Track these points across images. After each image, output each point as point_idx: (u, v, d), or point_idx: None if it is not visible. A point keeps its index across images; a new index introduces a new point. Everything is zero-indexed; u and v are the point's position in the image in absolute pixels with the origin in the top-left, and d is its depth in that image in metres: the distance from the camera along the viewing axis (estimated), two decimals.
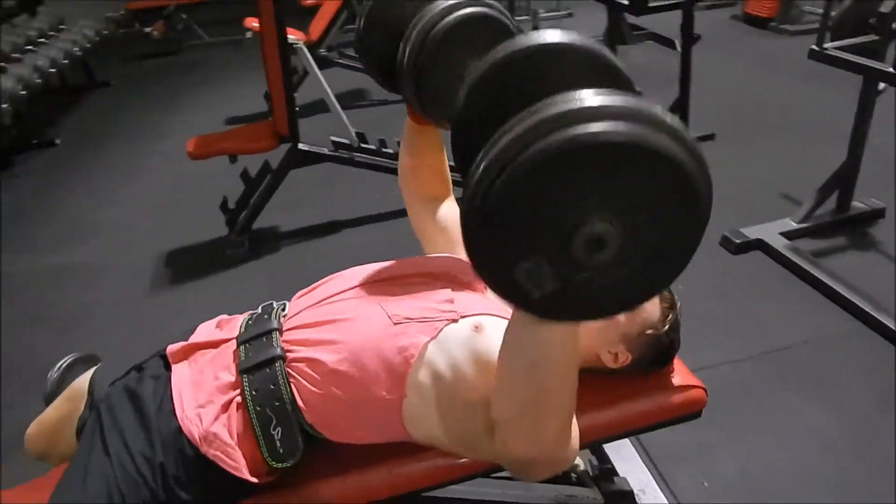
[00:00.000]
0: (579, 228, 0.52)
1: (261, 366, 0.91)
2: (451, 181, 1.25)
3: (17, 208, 3.21)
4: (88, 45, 4.47)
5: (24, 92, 3.41)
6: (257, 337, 0.95)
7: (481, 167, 0.52)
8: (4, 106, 3.16)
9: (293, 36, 3.55)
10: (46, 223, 3.04)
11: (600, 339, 1.05)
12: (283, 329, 0.96)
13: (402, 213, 2.88)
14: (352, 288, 0.98)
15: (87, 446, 0.91)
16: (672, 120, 0.51)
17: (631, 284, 0.57)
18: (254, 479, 0.88)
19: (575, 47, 0.65)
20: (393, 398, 0.88)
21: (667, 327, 1.06)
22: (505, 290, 0.57)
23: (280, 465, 0.89)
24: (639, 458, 1.56)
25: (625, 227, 0.53)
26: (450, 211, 1.21)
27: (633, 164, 0.50)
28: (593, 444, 1.20)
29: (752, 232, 2.39)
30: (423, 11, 0.92)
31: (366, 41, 1.01)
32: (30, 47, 3.85)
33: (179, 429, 0.88)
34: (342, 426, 0.91)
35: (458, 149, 0.72)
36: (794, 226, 2.40)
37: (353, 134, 2.63)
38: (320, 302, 0.98)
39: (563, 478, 1.33)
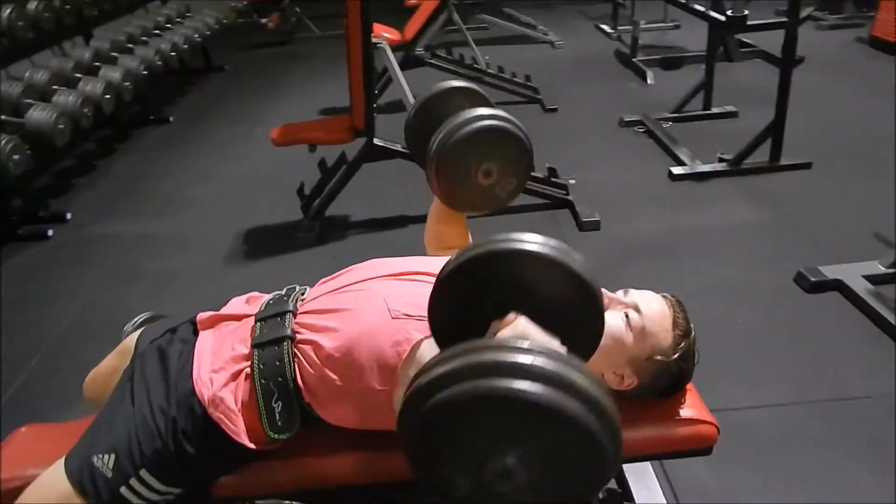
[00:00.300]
0: (490, 458, 0.58)
1: (271, 343, 0.99)
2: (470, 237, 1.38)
3: (127, 177, 3.56)
4: (208, 33, 4.85)
5: (145, 72, 3.76)
6: (273, 316, 1.03)
7: (419, 382, 0.60)
8: (126, 84, 3.50)
9: (387, 34, 3.69)
10: (149, 193, 3.34)
11: (606, 358, 1.04)
12: (298, 312, 1.03)
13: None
14: (364, 280, 1.04)
15: (119, 395, 1.03)
16: (591, 387, 0.56)
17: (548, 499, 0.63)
18: (251, 445, 0.96)
19: (542, 256, 0.72)
20: (383, 389, 0.92)
21: (677, 355, 1.03)
22: (427, 479, 0.64)
23: (277, 436, 0.96)
24: (660, 491, 1.52)
25: (533, 468, 0.59)
26: None
27: (544, 423, 0.56)
28: None
29: (832, 271, 2.23)
30: (454, 116, 1.10)
31: (411, 128, 1.24)
32: (156, 31, 4.25)
33: (193, 389, 0.97)
34: (336, 410, 0.97)
35: (433, 328, 0.81)
36: (882, 270, 2.21)
37: None
38: (334, 290, 1.05)
39: None
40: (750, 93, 3.83)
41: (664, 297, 1.10)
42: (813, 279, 2.21)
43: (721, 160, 3.11)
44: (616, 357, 1.04)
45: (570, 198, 2.80)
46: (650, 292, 1.10)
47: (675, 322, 1.05)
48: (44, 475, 0.97)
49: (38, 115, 2.82)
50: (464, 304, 0.75)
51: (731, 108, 3.71)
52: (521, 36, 5.48)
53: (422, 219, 3.01)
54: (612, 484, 1.46)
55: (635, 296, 1.07)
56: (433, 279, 1.05)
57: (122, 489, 0.94)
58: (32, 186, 3.28)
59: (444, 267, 0.75)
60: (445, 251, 1.27)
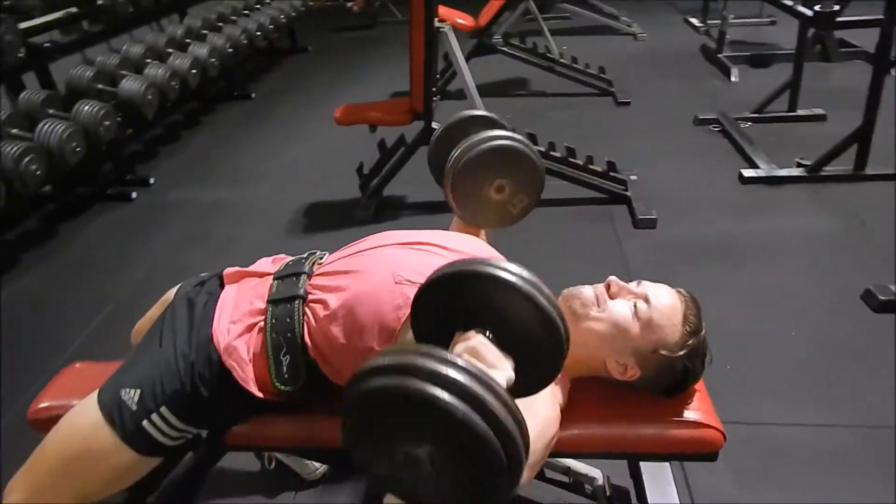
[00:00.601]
0: (398, 443, 0.64)
1: (284, 300, 1.05)
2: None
3: (207, 148, 3.79)
4: (294, 14, 5.04)
5: (230, 50, 3.97)
6: (289, 276, 1.09)
7: (364, 365, 0.65)
8: (212, 60, 3.71)
9: (461, 19, 3.71)
10: (224, 164, 3.54)
11: (609, 346, 1.04)
12: (314, 274, 1.09)
13: None
14: (377, 246, 1.09)
15: (150, 337, 1.12)
16: (501, 411, 0.60)
17: (448, 496, 0.68)
18: (259, 394, 1.03)
19: (511, 285, 0.75)
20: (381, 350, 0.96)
21: (683, 352, 1.01)
22: (352, 451, 0.71)
23: (283, 387, 1.03)
24: (676, 495, 1.48)
25: (439, 466, 0.63)
26: None
27: (449, 430, 0.60)
28: (586, 455, 1.17)
29: None
30: (471, 136, 1.19)
31: (433, 151, 1.33)
32: (245, 12, 4.46)
33: (211, 337, 1.05)
34: (339, 368, 1.02)
35: (414, 329, 0.86)
36: None
37: None
38: (349, 255, 1.10)
39: (575, 486, 1.32)
40: (844, 96, 3.56)
41: (678, 292, 1.07)
42: (882, 298, 2.06)
43: (799, 165, 2.93)
44: (620, 346, 1.03)
45: (628, 193, 2.73)
46: (664, 286, 1.08)
47: (685, 318, 1.03)
48: (80, 404, 1.07)
49: (130, 85, 3.05)
50: (439, 313, 0.82)
51: (819, 112, 3.48)
52: (602, 27, 5.35)
53: None
54: (629, 483, 1.44)
55: (647, 287, 1.06)
56: (443, 251, 1.09)
57: (145, 422, 1.02)
58: (123, 152, 3.54)
59: (429, 276, 0.81)
60: None
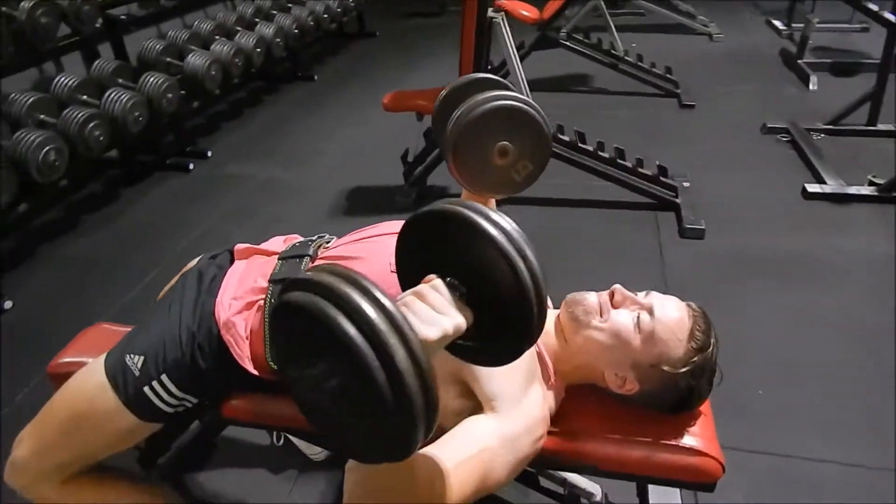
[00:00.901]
0: (307, 367, 0.61)
1: (284, 281, 1.06)
2: None
3: (266, 126, 3.89)
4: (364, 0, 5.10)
5: (296, 31, 4.05)
6: (293, 257, 1.10)
7: (291, 279, 0.64)
8: (277, 40, 3.80)
9: (525, 11, 3.65)
10: (280, 143, 3.63)
11: (608, 357, 1.00)
12: (317, 257, 1.10)
13: (565, 202, 2.91)
14: (381, 234, 1.08)
15: (159, 306, 1.16)
16: (404, 363, 0.55)
17: (344, 438, 0.64)
18: (253, 371, 1.04)
19: (492, 239, 0.68)
20: None
21: (686, 369, 0.96)
22: (276, 360, 0.70)
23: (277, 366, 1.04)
24: None
25: (336, 395, 0.59)
26: None
27: (351, 366, 0.56)
28: (571, 467, 1.12)
29: None
30: (472, 98, 1.10)
31: (437, 115, 1.22)
32: None
33: (213, 310, 1.07)
34: None
35: (398, 267, 0.82)
36: None
37: None
38: (353, 241, 1.10)
39: (571, 498, 1.28)
40: None
41: (688, 305, 1.02)
42: None
43: (871, 184, 2.73)
44: (619, 356, 0.99)
45: (677, 200, 2.62)
46: (673, 298, 1.03)
47: (691, 333, 0.98)
48: (89, 365, 1.12)
49: (195, 60, 3.16)
50: (417, 255, 0.76)
51: None
52: (677, 25, 5.14)
53: (520, 201, 2.98)
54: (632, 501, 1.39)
55: (654, 298, 1.01)
56: None
57: (146, 388, 1.06)
58: (186, 125, 3.68)
59: (413, 213, 0.75)
60: None
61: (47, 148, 2.35)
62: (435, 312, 0.67)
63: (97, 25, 2.95)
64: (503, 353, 0.75)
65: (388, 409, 0.56)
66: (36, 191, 2.48)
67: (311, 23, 4.26)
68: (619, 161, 2.63)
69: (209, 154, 3.43)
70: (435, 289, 0.69)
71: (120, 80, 2.91)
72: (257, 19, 3.88)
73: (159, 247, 2.64)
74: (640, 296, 1.02)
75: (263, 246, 1.21)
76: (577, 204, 2.75)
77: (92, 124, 2.54)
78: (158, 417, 1.09)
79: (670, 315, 0.98)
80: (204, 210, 2.92)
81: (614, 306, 1.02)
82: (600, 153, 2.64)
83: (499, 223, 0.68)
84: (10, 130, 2.41)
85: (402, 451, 0.61)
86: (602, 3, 4.27)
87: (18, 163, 2.31)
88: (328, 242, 1.16)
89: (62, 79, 2.72)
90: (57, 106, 2.62)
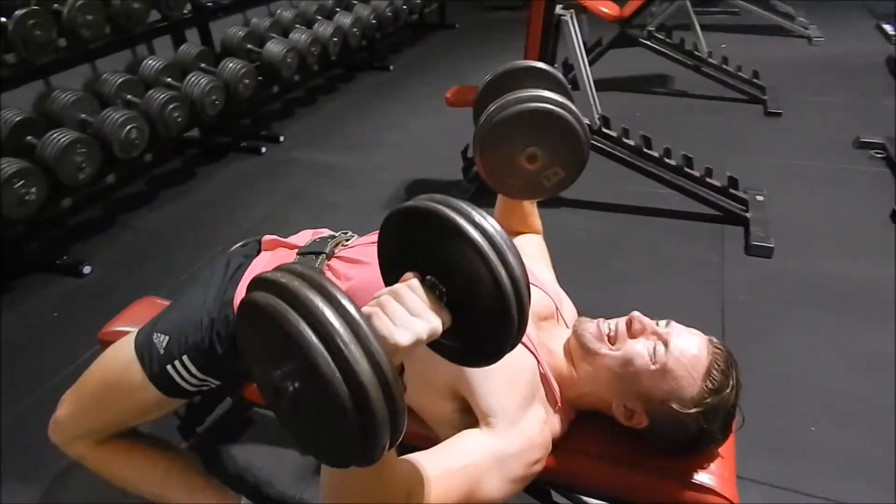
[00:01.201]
0: (269, 365, 0.60)
1: None
2: (537, 225, 1.38)
3: (337, 113, 3.98)
4: None
5: (374, 21, 4.11)
6: (310, 254, 1.12)
7: (260, 276, 0.62)
8: (354, 30, 3.87)
9: (605, 7, 3.53)
10: (349, 131, 3.71)
11: (617, 387, 0.96)
12: (333, 255, 1.11)
13: (619, 208, 2.81)
14: None
15: (188, 289, 1.21)
16: (364, 373, 0.54)
17: (304, 439, 0.63)
18: None
19: (473, 243, 0.66)
20: None
21: (696, 409, 0.90)
22: (244, 360, 0.68)
23: None
24: None
25: (296, 397, 0.58)
26: (528, 242, 1.31)
27: (308, 369, 0.55)
28: (581, 489, 1.09)
29: None
30: (506, 95, 1.06)
31: (477, 107, 1.18)
32: None
33: (233, 299, 1.11)
34: None
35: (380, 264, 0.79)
36: None
37: (597, 117, 2.57)
38: (369, 243, 1.10)
39: None
40: None
41: (710, 341, 0.96)
42: None
43: None
44: (628, 387, 0.94)
45: (747, 214, 2.47)
46: (696, 332, 0.96)
47: (708, 372, 0.92)
48: (123, 339, 1.19)
49: (273, 47, 3.28)
50: (397, 251, 0.74)
51: None
52: (774, 27, 4.82)
53: (576, 203, 2.91)
54: None
55: (674, 329, 0.95)
56: None
57: (168, 367, 1.11)
58: (263, 109, 3.83)
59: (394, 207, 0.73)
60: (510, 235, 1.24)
61: (129, 126, 2.51)
62: (409, 315, 0.64)
63: (185, 11, 3.11)
64: (485, 355, 0.72)
65: (349, 421, 0.55)
66: (121, 164, 2.65)
67: (390, 13, 4.31)
68: (686, 169, 2.51)
69: (281, 139, 3.55)
70: (411, 288, 0.66)
71: (202, 65, 3.06)
72: (338, 9, 3.96)
73: (224, 226, 2.77)
74: (661, 325, 0.97)
75: (291, 239, 1.23)
76: (638, 211, 2.65)
77: (172, 106, 2.69)
78: (181, 394, 1.15)
79: (687, 350, 0.93)
80: (269, 192, 3.03)
81: (632, 335, 0.97)
82: (666, 160, 2.52)
83: (480, 225, 0.65)
84: (99, 108, 2.59)
85: (367, 457, 0.60)
86: (688, 1, 4.06)
87: (103, 139, 2.48)
88: (349, 240, 1.17)
89: (150, 61, 2.90)
90: (143, 87, 2.79)
